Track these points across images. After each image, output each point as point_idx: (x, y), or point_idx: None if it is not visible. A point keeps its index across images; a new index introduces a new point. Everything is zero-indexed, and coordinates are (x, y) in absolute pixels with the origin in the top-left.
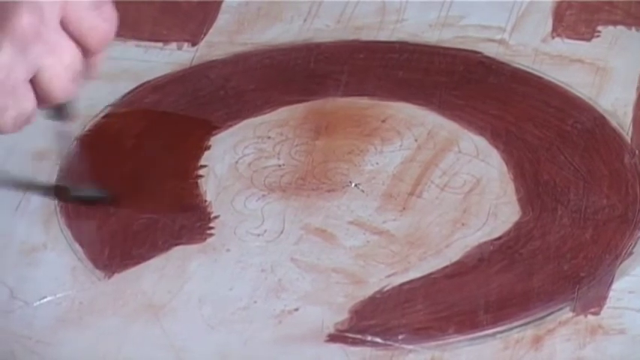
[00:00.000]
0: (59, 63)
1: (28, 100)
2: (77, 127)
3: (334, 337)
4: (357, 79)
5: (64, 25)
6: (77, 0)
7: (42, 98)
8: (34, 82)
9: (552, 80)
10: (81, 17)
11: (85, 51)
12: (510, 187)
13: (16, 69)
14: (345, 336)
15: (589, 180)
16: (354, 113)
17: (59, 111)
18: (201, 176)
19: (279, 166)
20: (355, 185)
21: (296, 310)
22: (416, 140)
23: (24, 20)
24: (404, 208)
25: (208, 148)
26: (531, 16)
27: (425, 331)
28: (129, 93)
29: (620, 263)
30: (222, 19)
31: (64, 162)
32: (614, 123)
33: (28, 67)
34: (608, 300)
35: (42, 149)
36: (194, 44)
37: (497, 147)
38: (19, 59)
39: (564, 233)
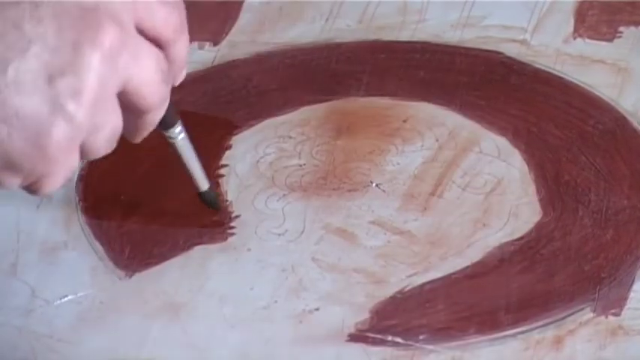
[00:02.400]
0: (146, 69)
1: (119, 115)
2: None
3: (355, 337)
4: (379, 79)
5: (139, 26)
6: (146, 0)
7: (135, 109)
8: (123, 95)
9: (574, 81)
10: (152, 12)
11: (164, 45)
12: (531, 188)
13: (108, 84)
14: (366, 336)
15: (610, 181)
16: (375, 113)
17: (165, 118)
18: (222, 176)
19: (300, 165)
20: (376, 185)
21: (317, 309)
22: (437, 140)
23: (109, 32)
24: (425, 208)
25: (229, 147)
26: (553, 17)
27: (446, 331)
28: None
29: None
30: (244, 18)
31: (83, 162)
32: (635, 124)
33: (118, 79)
34: (628, 301)
35: None
36: (216, 44)
37: (518, 147)
38: (110, 72)
39: (585, 234)
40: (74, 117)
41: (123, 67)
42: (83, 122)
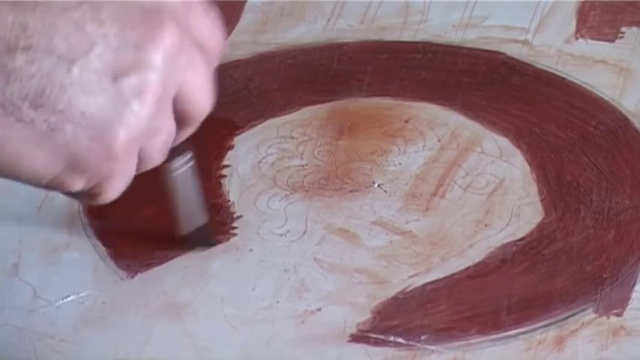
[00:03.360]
0: (199, 75)
1: (173, 121)
2: None
3: (356, 338)
4: (380, 79)
5: (192, 39)
6: (196, 8)
7: (186, 116)
8: (176, 100)
9: (576, 81)
10: (202, 25)
11: (210, 60)
12: (533, 188)
13: (168, 85)
14: (368, 336)
15: (612, 181)
16: (377, 113)
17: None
18: (224, 176)
19: (302, 166)
20: (378, 185)
21: (318, 310)
22: (439, 141)
23: (170, 32)
24: (427, 209)
25: (231, 147)
26: (555, 17)
27: (447, 331)
28: None
29: None
30: (246, 18)
31: None
32: (637, 124)
33: (176, 81)
34: (630, 301)
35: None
36: None
37: (520, 148)
38: (170, 74)
39: (587, 234)
40: (138, 116)
41: (181, 70)
42: (146, 122)
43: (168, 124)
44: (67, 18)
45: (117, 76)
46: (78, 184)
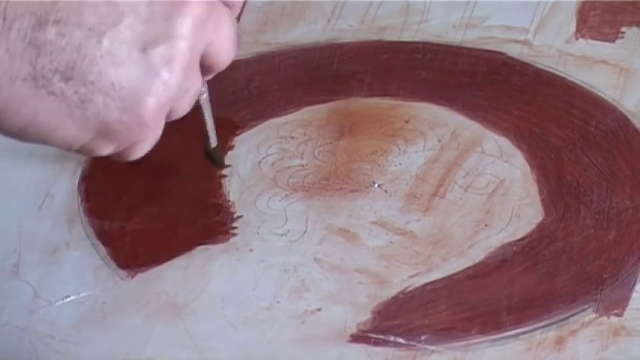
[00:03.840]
0: (224, 32)
1: (200, 76)
2: None
3: (357, 338)
4: (381, 79)
5: None
6: None
7: (209, 68)
8: (204, 60)
9: (576, 81)
10: None
11: (231, 7)
12: (534, 188)
13: (195, 50)
14: (368, 336)
15: (612, 181)
16: (377, 113)
17: None
18: (224, 176)
19: (303, 166)
20: (378, 186)
21: (319, 310)
22: (439, 141)
23: (198, 1)
24: (427, 209)
25: (232, 147)
26: (555, 17)
27: (448, 331)
28: None
29: None
30: (246, 18)
31: (87, 161)
32: (637, 124)
33: (203, 44)
34: (631, 301)
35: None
36: None
37: (520, 148)
38: (198, 40)
39: (587, 234)
40: (168, 84)
41: (208, 33)
42: (176, 88)
43: (196, 82)
44: None
45: (146, 47)
46: (108, 150)
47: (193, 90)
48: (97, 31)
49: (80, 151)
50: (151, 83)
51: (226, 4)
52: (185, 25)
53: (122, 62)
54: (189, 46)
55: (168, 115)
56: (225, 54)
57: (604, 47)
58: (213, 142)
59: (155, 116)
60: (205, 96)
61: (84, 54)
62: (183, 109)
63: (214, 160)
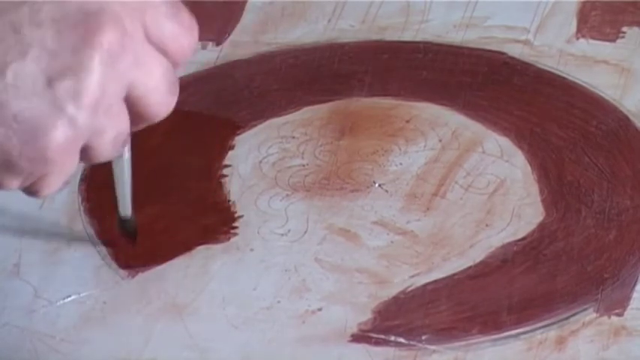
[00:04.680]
0: (151, 76)
1: (124, 120)
2: None
3: (357, 338)
4: (381, 79)
5: (147, 35)
6: (155, 10)
7: (140, 116)
8: (128, 101)
9: (577, 81)
10: (162, 28)
11: (172, 60)
12: (534, 188)
13: (109, 86)
14: (369, 336)
15: (613, 181)
16: (378, 113)
17: None
18: (225, 176)
19: (303, 166)
20: (379, 185)
21: (319, 310)
22: (440, 141)
23: (109, 34)
24: (428, 209)
25: (232, 147)
26: (556, 17)
27: (448, 331)
28: None
29: None
30: (247, 18)
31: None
32: (638, 124)
33: (121, 82)
34: (631, 301)
35: None
36: (218, 44)
37: (521, 148)
38: (111, 75)
39: (588, 234)
40: (74, 119)
41: (125, 71)
42: (84, 125)
43: (116, 124)
44: (5, 20)
45: (52, 80)
46: (13, 184)
47: (112, 132)
48: (1, 63)
49: None
50: (55, 118)
51: (164, 53)
52: (93, 58)
53: (26, 95)
54: (99, 81)
55: (87, 155)
56: (155, 102)
57: (605, 47)
58: (126, 211)
59: (60, 151)
60: (127, 156)
61: None
62: (103, 149)
63: (126, 232)
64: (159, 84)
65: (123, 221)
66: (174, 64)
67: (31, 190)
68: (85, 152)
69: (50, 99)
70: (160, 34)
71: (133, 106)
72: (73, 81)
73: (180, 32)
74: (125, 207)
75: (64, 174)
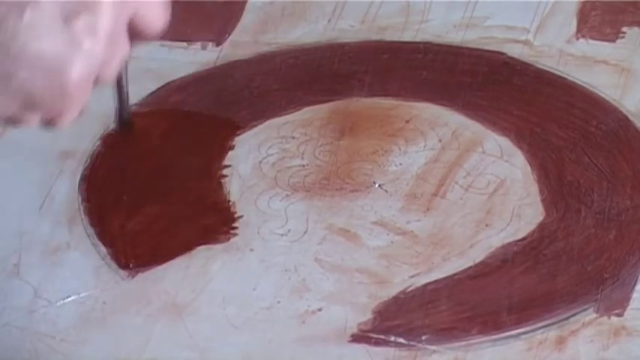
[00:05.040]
0: (152, 1)
1: (127, 45)
2: (101, 126)
3: (357, 338)
4: (381, 79)
5: None
6: None
7: (139, 35)
8: (131, 24)
9: (576, 81)
10: None
11: None
12: (534, 188)
13: (120, 18)
14: (369, 336)
15: (613, 181)
16: (378, 113)
17: None
18: (225, 176)
19: (303, 166)
20: (379, 185)
21: (319, 310)
22: (440, 141)
23: None
24: (428, 209)
25: (232, 148)
26: (556, 17)
27: (448, 331)
28: (153, 93)
29: None
30: (247, 18)
31: (88, 161)
32: (638, 124)
33: (128, 11)
34: (631, 301)
35: (67, 149)
36: (218, 44)
37: (521, 148)
38: (121, 7)
39: (588, 234)
40: (91, 54)
41: (133, 2)
42: (99, 57)
43: (123, 49)
44: None
45: (68, 18)
46: (34, 120)
47: (119, 57)
48: (19, 4)
49: (6, 122)
50: (74, 54)
51: None
52: None
53: (44, 34)
54: (112, 15)
55: (96, 81)
56: (155, 20)
57: (604, 47)
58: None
59: (79, 86)
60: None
61: (5, 27)
62: (110, 74)
63: (123, 126)
64: (157, 4)
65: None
66: None
67: (48, 124)
68: (95, 80)
69: (68, 36)
70: None
71: (134, 27)
72: (88, 17)
73: None
74: (123, 105)
75: (80, 105)
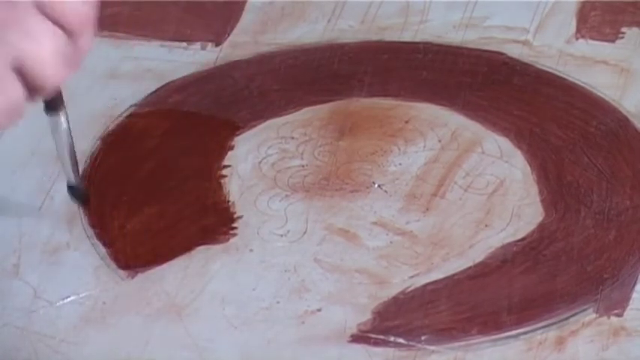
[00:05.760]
0: (41, 48)
1: (15, 90)
2: (100, 127)
3: (357, 338)
4: (381, 79)
5: (40, 8)
6: None
7: (32, 87)
8: (20, 71)
9: (576, 81)
10: None
11: (69, 33)
12: (534, 189)
13: None
14: (368, 337)
15: (612, 181)
16: (377, 114)
17: (52, 103)
18: (224, 176)
19: (303, 166)
20: (378, 186)
21: (319, 310)
22: (439, 141)
23: None
24: (427, 209)
25: (232, 148)
26: (555, 17)
27: (448, 331)
28: (152, 93)
29: None
30: (246, 19)
31: (87, 162)
32: (637, 124)
33: (7, 54)
34: (631, 301)
35: None
36: (218, 44)
37: (520, 148)
38: None
39: (587, 235)
40: None
41: (13, 43)
42: None
43: (8, 92)
44: None
45: None
46: None
47: (3, 100)
48: None
49: None
50: None
51: (59, 24)
52: None
53: None
54: None
55: None
56: (44, 73)
57: (604, 47)
58: (70, 178)
59: None
60: (64, 127)
61: None
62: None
63: (75, 198)
64: (50, 57)
65: (70, 187)
66: (73, 34)
67: None
68: None
69: None
70: (52, 4)
71: (23, 76)
72: None
73: (75, 1)
74: (68, 174)
75: None
